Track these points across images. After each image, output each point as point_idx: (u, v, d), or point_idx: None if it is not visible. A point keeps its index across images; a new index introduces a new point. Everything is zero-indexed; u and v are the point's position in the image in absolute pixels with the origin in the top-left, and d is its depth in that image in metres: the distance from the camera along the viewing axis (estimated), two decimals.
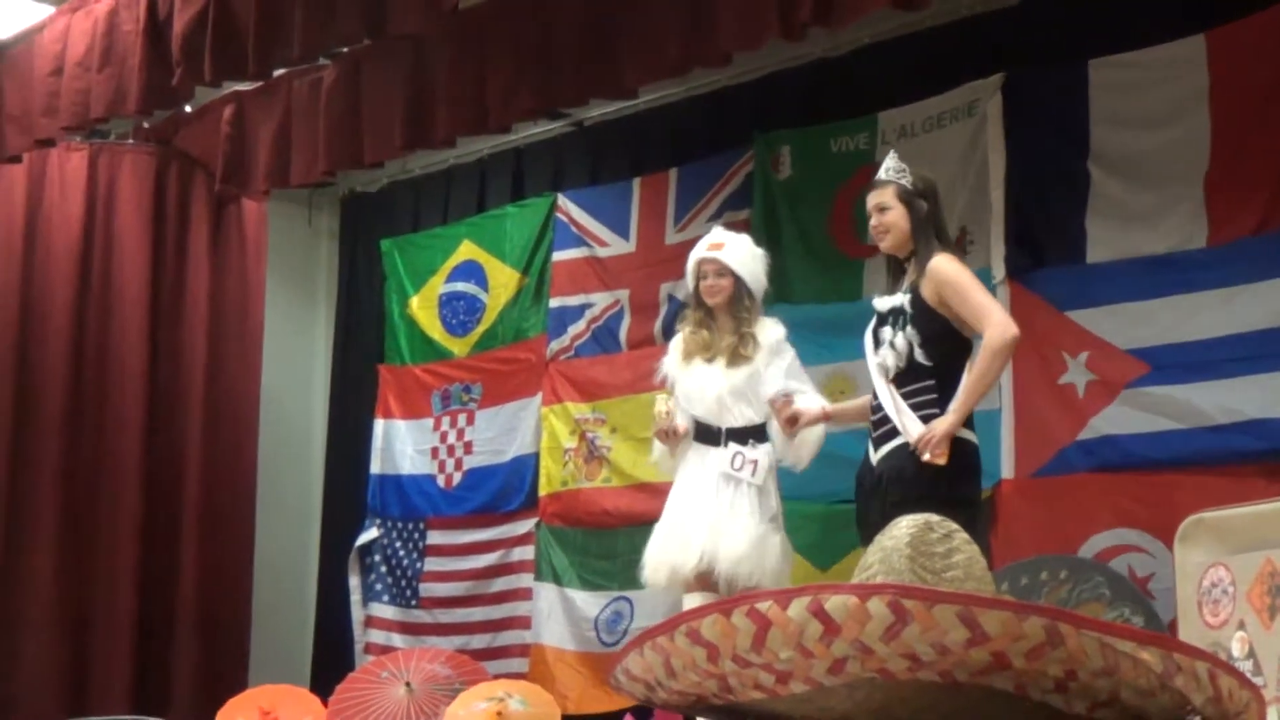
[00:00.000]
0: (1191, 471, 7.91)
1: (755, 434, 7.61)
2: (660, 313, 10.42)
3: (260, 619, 11.32)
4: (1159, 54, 8.48)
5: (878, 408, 6.87)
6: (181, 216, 11.51)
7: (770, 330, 7.70)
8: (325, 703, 7.90)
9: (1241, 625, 2.86)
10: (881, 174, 7.05)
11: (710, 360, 7.57)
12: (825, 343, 9.22)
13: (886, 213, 6.89)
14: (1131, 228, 8.53)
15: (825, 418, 7.49)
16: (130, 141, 11.34)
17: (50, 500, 10.76)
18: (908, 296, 6.81)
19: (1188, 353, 8.15)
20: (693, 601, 7.10)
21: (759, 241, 9.76)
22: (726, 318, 7.62)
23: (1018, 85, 8.98)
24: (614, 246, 10.78)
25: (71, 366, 11.03)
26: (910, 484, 6.54)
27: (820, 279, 9.74)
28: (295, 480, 12.27)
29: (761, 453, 7.55)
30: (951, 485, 6.55)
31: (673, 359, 7.81)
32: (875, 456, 6.84)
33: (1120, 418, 8.33)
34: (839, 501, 8.55)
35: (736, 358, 7.51)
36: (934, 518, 2.56)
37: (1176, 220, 8.36)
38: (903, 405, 6.72)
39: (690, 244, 10.13)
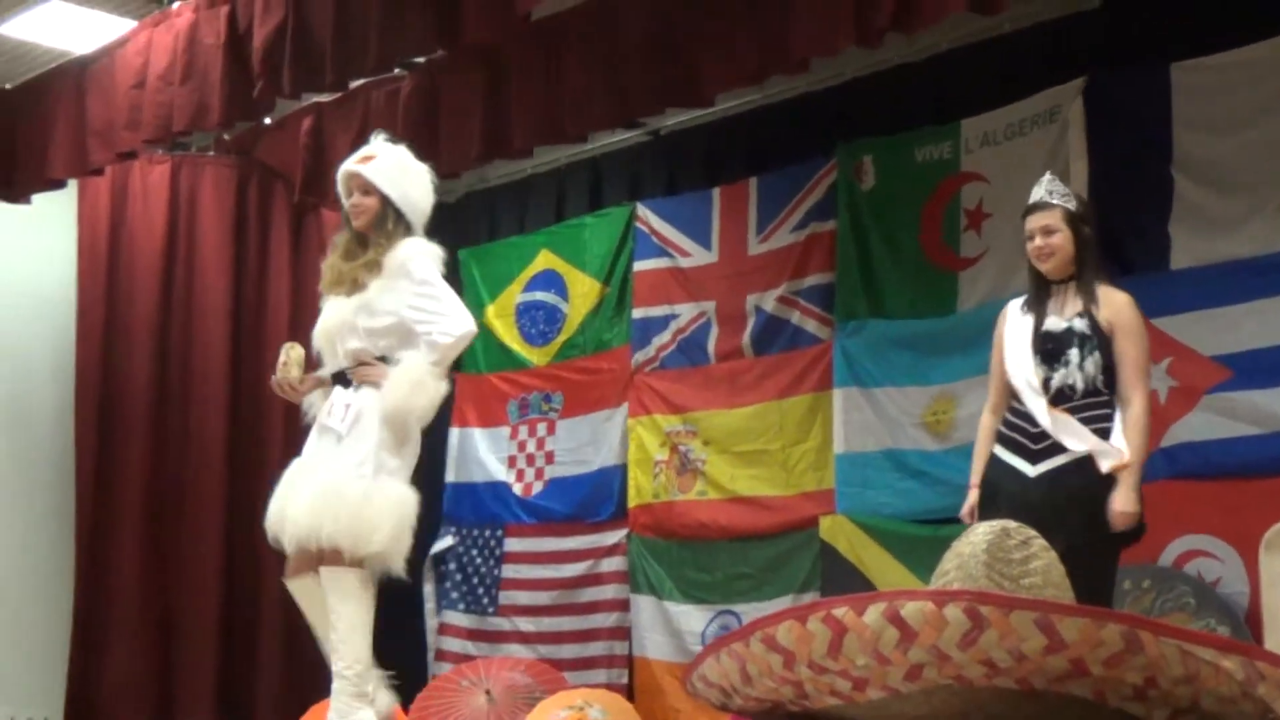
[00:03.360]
0: (1270, 479, 7.84)
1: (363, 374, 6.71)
2: (748, 325, 10.42)
3: None
4: (1241, 56, 8.42)
5: (1034, 423, 6.74)
6: (262, 226, 11.62)
7: (402, 249, 6.73)
8: (405, 709, 7.80)
9: None
10: (1046, 196, 6.93)
11: (343, 292, 6.68)
12: (926, 362, 9.33)
13: (1054, 235, 6.80)
14: (1215, 233, 8.49)
15: None
16: (211, 154, 11.45)
17: (135, 506, 10.90)
18: (1085, 321, 6.77)
19: (1271, 358, 8.12)
20: (292, 586, 6.83)
21: (846, 257, 9.89)
22: (370, 240, 6.78)
23: (1099, 90, 8.94)
24: (696, 256, 10.77)
25: (155, 375, 11.16)
26: (1096, 504, 6.49)
27: (913, 292, 9.69)
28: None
29: (357, 395, 6.61)
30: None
31: (321, 288, 6.91)
32: (1033, 471, 6.69)
33: (1201, 424, 8.32)
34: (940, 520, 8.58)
35: (355, 286, 6.62)
36: (1011, 524, 2.55)
37: (1260, 224, 8.31)
38: (1073, 423, 6.65)
39: (774, 255, 10.35)
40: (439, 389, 6.65)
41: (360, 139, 9.80)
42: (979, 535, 2.53)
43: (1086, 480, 6.52)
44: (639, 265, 10.99)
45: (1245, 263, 8.31)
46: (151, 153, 10.74)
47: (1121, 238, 8.79)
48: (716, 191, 10.71)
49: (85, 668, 10.86)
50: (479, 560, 11.60)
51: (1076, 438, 6.62)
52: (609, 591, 10.86)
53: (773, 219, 10.38)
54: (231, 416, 11.27)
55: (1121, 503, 6.42)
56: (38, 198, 10.64)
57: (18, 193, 10.49)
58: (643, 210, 11.01)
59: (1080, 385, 6.66)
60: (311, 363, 6.97)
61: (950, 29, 8.84)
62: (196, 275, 11.35)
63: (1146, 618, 2.14)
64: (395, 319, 6.54)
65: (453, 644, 11.33)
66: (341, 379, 6.61)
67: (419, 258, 6.69)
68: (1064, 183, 8.46)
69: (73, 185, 10.94)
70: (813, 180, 10.18)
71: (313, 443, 6.65)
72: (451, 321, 6.63)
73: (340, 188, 6.80)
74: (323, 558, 6.45)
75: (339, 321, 6.54)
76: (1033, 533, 2.54)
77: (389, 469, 6.62)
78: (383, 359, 6.55)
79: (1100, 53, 9.02)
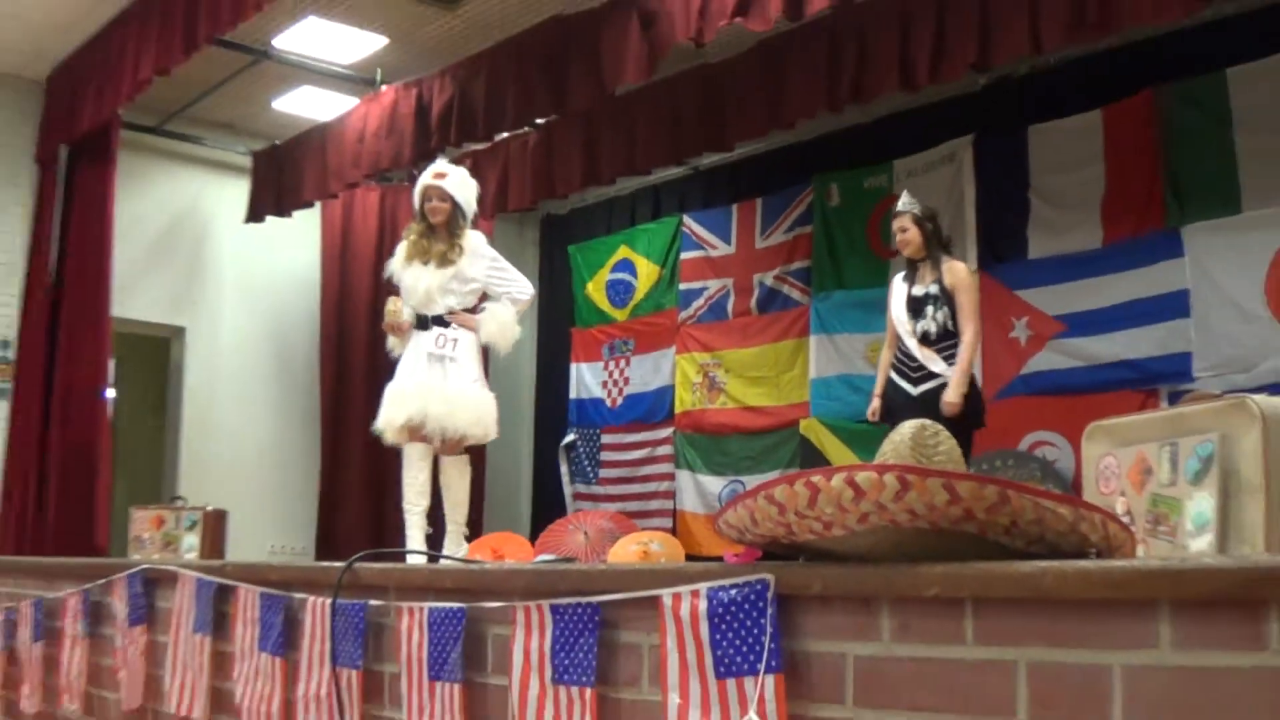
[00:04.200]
0: (1088, 395, 8.03)
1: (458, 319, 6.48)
2: (754, 294, 10.59)
3: (490, 492, 11.29)
4: (1071, 122, 8.60)
5: (913, 358, 6.86)
6: None
7: (473, 237, 6.57)
8: (532, 544, 7.75)
9: (1123, 493, 2.96)
10: (900, 206, 7.08)
11: (425, 263, 6.40)
12: (868, 317, 9.33)
13: (907, 231, 6.95)
14: (1056, 235, 8.64)
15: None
16: (406, 184, 10.85)
17: (359, 409, 10.41)
18: (936, 286, 6.84)
19: (1093, 316, 8.27)
20: (412, 450, 6.36)
21: (819, 250, 10.02)
22: (444, 231, 6.45)
23: (983, 142, 9.11)
24: (721, 249, 10.88)
25: (369, 327, 10.89)
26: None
27: (861, 272, 9.81)
28: (516, 404, 12.09)
29: (460, 334, 6.41)
30: (968, 410, 6.67)
31: (397, 261, 6.58)
32: (915, 391, 6.80)
33: (1046, 360, 8.51)
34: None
35: (444, 260, 6.38)
36: (928, 422, 2.53)
37: (1084, 231, 8.46)
38: (935, 357, 6.78)
39: (771, 249, 10.47)
40: (516, 330, 6.57)
41: (502, 173, 9.84)
42: (906, 429, 2.52)
43: (938, 394, 6.64)
44: (684, 255, 11.12)
45: (1075, 254, 8.46)
46: (368, 184, 10.68)
47: (997, 238, 8.95)
48: (735, 207, 10.85)
49: (328, 512, 11.03)
50: (588, 448, 11.75)
51: (937, 366, 6.75)
52: (662, 468, 11.02)
53: (771, 224, 10.54)
54: None
55: (947, 396, 6.59)
56: (296, 213, 10.66)
57: (284, 210, 10.50)
58: (687, 219, 11.16)
59: (934, 330, 6.77)
60: None
61: (887, 102, 8.73)
62: None
63: (1013, 481, 2.11)
64: (479, 284, 6.51)
65: (582, 504, 11.38)
66: (440, 322, 6.37)
67: (485, 243, 6.60)
68: (953, 203, 8.72)
69: (318, 205, 10.97)
70: (798, 200, 10.35)
71: (424, 366, 6.32)
72: (521, 286, 6.64)
73: (418, 194, 6.57)
74: (450, 444, 6.38)
75: (437, 285, 6.36)
76: (940, 428, 2.52)
77: (484, 383, 6.52)
78: (468, 310, 6.47)
79: (983, 118, 9.14)
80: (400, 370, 6.44)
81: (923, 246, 6.98)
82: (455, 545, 6.46)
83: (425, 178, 6.58)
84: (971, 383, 6.77)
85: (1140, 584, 1.85)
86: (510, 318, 6.51)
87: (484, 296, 6.62)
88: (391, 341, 6.55)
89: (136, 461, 12.15)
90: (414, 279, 6.44)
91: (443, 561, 4.84)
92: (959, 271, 6.90)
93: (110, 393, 9.98)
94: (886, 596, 2.19)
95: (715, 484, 10.56)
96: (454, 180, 6.55)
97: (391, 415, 6.30)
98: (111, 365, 9.94)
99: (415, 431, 6.28)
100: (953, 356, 6.75)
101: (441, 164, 6.69)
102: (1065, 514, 2.15)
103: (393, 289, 6.67)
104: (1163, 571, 1.83)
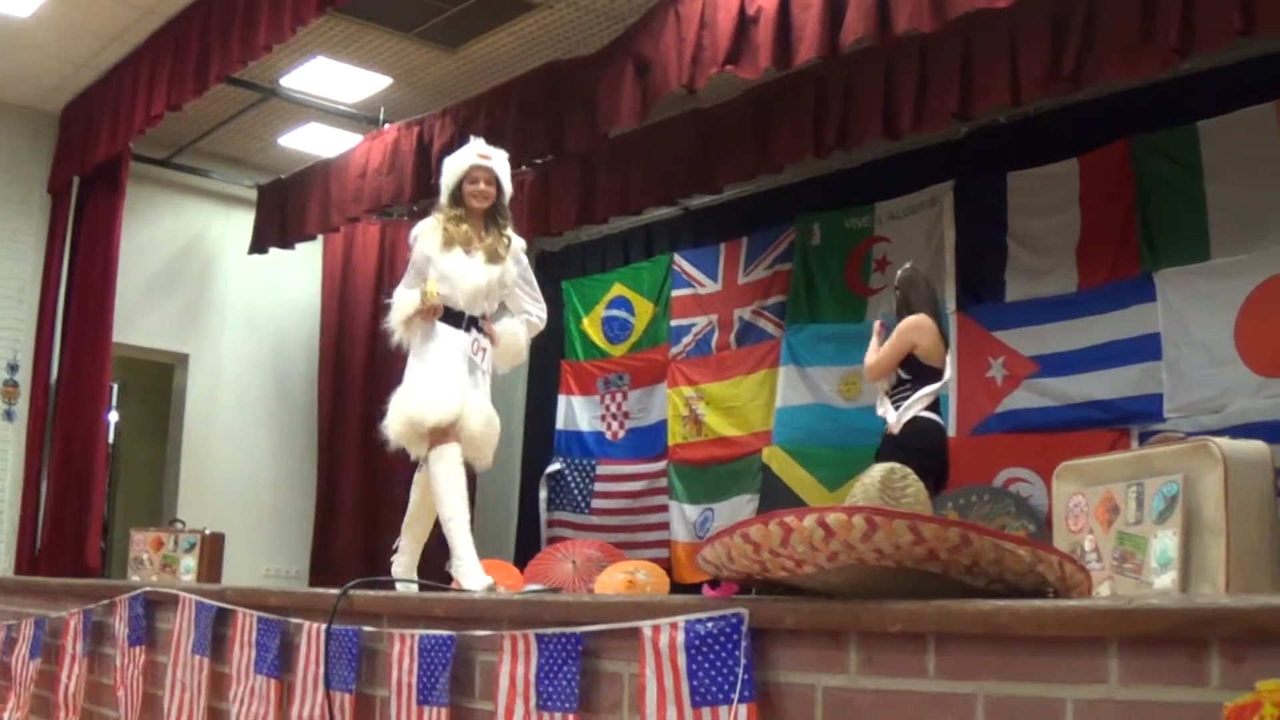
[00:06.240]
0: (1061, 433, 8.03)
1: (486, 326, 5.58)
2: (734, 327, 10.58)
3: (479, 519, 11.13)
4: (1047, 170, 8.64)
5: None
6: None
7: (516, 239, 5.68)
8: (521, 571, 7.82)
9: (1091, 531, 3.02)
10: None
11: (470, 253, 5.45)
12: (841, 351, 9.40)
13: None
14: (1032, 279, 8.65)
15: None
16: (405, 218, 11.11)
17: (355, 433, 10.83)
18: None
19: (1066, 357, 8.29)
20: (449, 451, 5.29)
21: (796, 284, 10.01)
22: (481, 219, 5.56)
23: (963, 187, 9.14)
24: (708, 287, 10.85)
25: (367, 352, 11.08)
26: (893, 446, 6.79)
27: (836, 307, 9.82)
28: (507, 432, 11.44)
29: (485, 341, 5.50)
30: (923, 445, 6.81)
31: (430, 242, 5.50)
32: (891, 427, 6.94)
33: (1021, 399, 8.50)
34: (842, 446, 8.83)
35: (495, 256, 5.48)
36: (897, 466, 2.59)
37: (1059, 276, 8.49)
38: (886, 401, 6.96)
39: (751, 285, 10.45)
40: (524, 356, 5.82)
41: None
42: (876, 472, 2.57)
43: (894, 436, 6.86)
44: (675, 293, 11.07)
45: (1051, 298, 8.48)
46: (369, 219, 10.72)
47: (975, 280, 8.96)
48: (722, 245, 10.83)
49: (323, 537, 10.99)
50: (580, 479, 11.65)
51: (881, 408, 7.00)
52: (658, 500, 10.96)
53: (754, 262, 10.52)
54: None
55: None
56: (299, 246, 10.73)
57: (288, 242, 10.55)
58: (678, 258, 11.12)
59: (887, 381, 6.99)
60: None
61: (872, 148, 8.81)
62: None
63: (974, 524, 2.16)
64: (509, 291, 5.64)
65: (559, 531, 11.33)
66: (474, 322, 5.46)
67: (524, 249, 5.78)
68: (933, 246, 8.76)
69: (320, 238, 11.04)
70: (780, 238, 10.33)
71: (465, 373, 5.36)
72: (542, 311, 5.84)
73: (457, 174, 5.58)
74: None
75: (487, 283, 5.45)
76: (909, 470, 2.58)
77: None
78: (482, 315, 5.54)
79: (964, 165, 9.15)
80: (440, 363, 5.41)
81: (894, 313, 7.22)
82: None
83: (468, 156, 5.66)
84: (922, 422, 6.89)
85: (1090, 622, 1.91)
86: (525, 342, 5.76)
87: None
88: (401, 333, 5.55)
89: (137, 484, 12.18)
90: (461, 269, 5.46)
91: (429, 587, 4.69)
92: (904, 321, 7.02)
93: (113, 416, 10.01)
94: (854, 631, 2.25)
95: (694, 513, 10.57)
96: (500, 163, 5.71)
97: (435, 405, 5.29)
98: (115, 389, 9.98)
99: (449, 431, 5.32)
100: (900, 403, 6.88)
101: (481, 143, 5.77)
102: (1023, 555, 2.20)
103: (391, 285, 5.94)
104: (1110, 611, 1.89)
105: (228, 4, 7.62)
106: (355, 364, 11.24)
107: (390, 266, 11.42)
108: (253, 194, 11.03)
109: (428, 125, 9.10)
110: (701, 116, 8.77)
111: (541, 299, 5.88)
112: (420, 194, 9.58)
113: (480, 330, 5.51)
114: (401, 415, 5.36)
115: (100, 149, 9.32)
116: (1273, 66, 7.48)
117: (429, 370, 5.41)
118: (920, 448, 6.85)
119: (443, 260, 5.46)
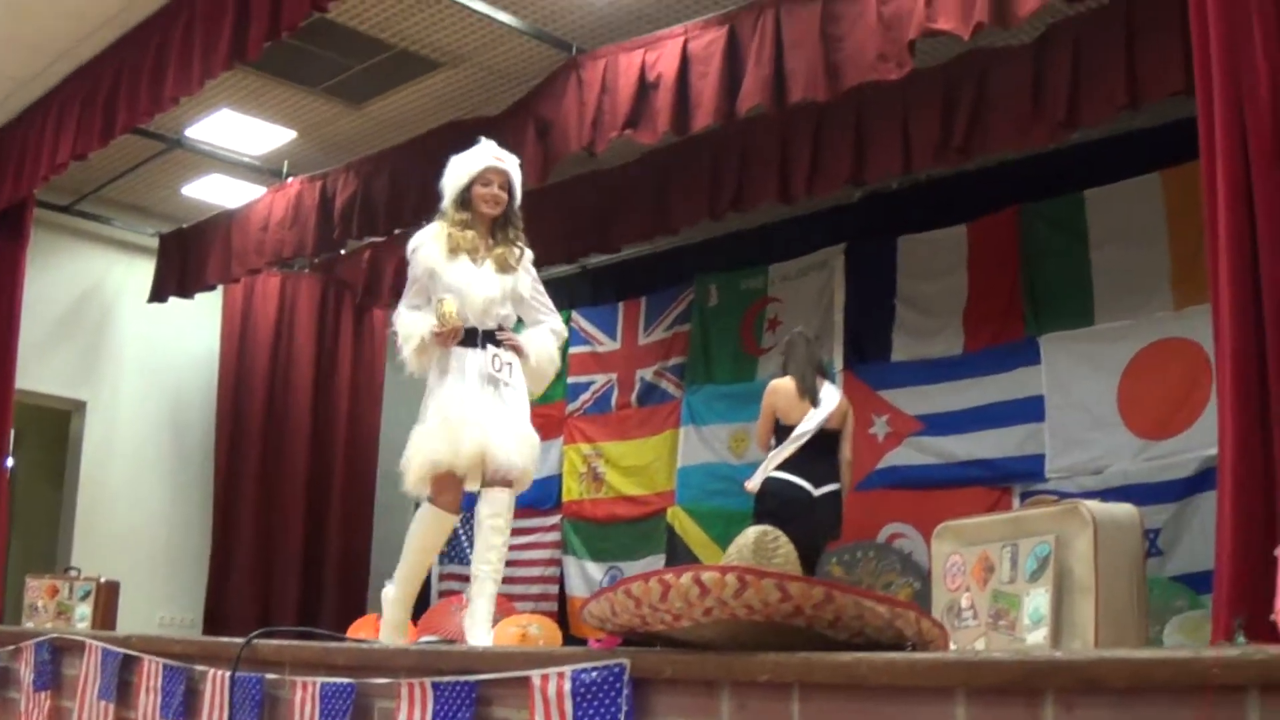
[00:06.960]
0: (944, 490, 8.17)
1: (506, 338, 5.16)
2: (635, 388, 10.59)
3: (375, 572, 11.02)
4: (937, 235, 8.80)
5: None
6: (336, 320, 11.50)
7: (527, 250, 5.30)
8: (414, 623, 7.60)
9: (968, 589, 3.12)
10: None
11: (477, 261, 5.08)
12: (732, 409, 9.51)
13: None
14: (919, 340, 8.80)
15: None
16: (306, 271, 11.43)
17: (251, 487, 10.82)
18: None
19: (948, 418, 8.42)
20: (433, 511, 5.13)
21: (695, 345, 10.08)
22: (489, 226, 5.19)
23: (854, 250, 9.28)
24: (606, 345, 10.85)
25: (265, 408, 11.10)
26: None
27: (730, 368, 9.91)
28: (398, 486, 11.82)
29: (513, 357, 5.10)
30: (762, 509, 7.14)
31: (433, 252, 5.11)
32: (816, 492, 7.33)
33: (904, 455, 8.61)
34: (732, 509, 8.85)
35: (505, 266, 5.09)
36: (769, 528, 2.68)
37: (945, 338, 8.65)
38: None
39: (652, 345, 10.45)
40: (557, 366, 5.36)
41: (400, 266, 9.90)
42: (750, 534, 2.67)
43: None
44: (573, 350, 10.91)
45: (934, 360, 8.62)
46: (270, 270, 10.66)
47: (863, 339, 9.08)
48: (621, 305, 10.85)
49: (217, 586, 10.79)
50: (469, 532, 11.34)
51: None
52: (548, 554, 10.88)
53: (654, 322, 10.54)
54: (312, 438, 11.20)
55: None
56: (199, 296, 10.62)
57: (188, 291, 10.44)
58: (576, 315, 11.02)
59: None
60: None
61: (766, 212, 8.91)
62: (294, 347, 11.31)
63: (837, 582, 2.31)
64: (522, 301, 5.22)
65: (451, 584, 11.13)
66: (491, 338, 5.04)
67: (531, 259, 5.36)
68: (823, 306, 8.91)
69: (220, 289, 10.99)
70: (679, 298, 10.39)
71: (478, 388, 4.96)
72: (560, 323, 5.44)
73: (468, 175, 5.21)
74: (500, 481, 4.99)
75: (499, 293, 5.06)
76: (780, 533, 2.67)
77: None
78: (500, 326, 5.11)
79: (855, 228, 9.29)
80: (450, 397, 5.01)
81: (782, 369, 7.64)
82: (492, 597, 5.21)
83: (482, 157, 5.26)
84: (771, 483, 7.34)
85: (940, 674, 2.06)
86: (555, 352, 5.34)
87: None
88: (414, 363, 5.16)
89: (32, 529, 12.01)
90: (470, 279, 5.06)
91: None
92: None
93: (9, 462, 9.90)
94: (726, 680, 2.37)
95: (598, 570, 10.52)
96: (513, 166, 5.32)
97: (440, 448, 4.93)
98: (12, 435, 9.87)
99: (455, 475, 5.01)
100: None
101: (494, 145, 5.37)
102: (883, 611, 2.34)
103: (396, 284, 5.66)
104: (958, 663, 2.06)
105: (138, 55, 7.58)
106: (253, 415, 11.17)
107: (290, 319, 11.38)
108: (154, 242, 10.95)
109: (331, 180, 9.08)
110: (601, 177, 8.86)
111: (557, 311, 5.50)
112: (322, 248, 9.65)
113: (498, 344, 5.09)
114: (421, 455, 5.01)
115: (4, 194, 9.25)
116: (1157, 138, 7.64)
117: (442, 413, 5.00)
118: (767, 510, 7.11)
119: (449, 271, 5.07)
